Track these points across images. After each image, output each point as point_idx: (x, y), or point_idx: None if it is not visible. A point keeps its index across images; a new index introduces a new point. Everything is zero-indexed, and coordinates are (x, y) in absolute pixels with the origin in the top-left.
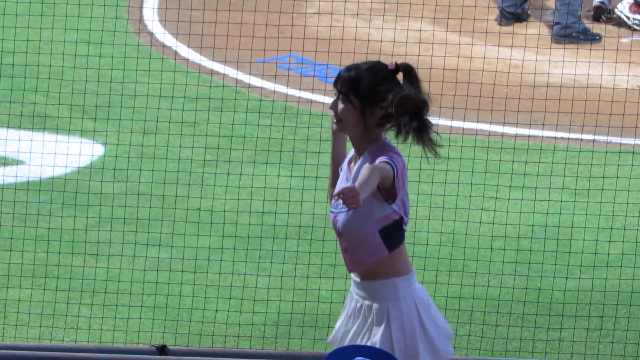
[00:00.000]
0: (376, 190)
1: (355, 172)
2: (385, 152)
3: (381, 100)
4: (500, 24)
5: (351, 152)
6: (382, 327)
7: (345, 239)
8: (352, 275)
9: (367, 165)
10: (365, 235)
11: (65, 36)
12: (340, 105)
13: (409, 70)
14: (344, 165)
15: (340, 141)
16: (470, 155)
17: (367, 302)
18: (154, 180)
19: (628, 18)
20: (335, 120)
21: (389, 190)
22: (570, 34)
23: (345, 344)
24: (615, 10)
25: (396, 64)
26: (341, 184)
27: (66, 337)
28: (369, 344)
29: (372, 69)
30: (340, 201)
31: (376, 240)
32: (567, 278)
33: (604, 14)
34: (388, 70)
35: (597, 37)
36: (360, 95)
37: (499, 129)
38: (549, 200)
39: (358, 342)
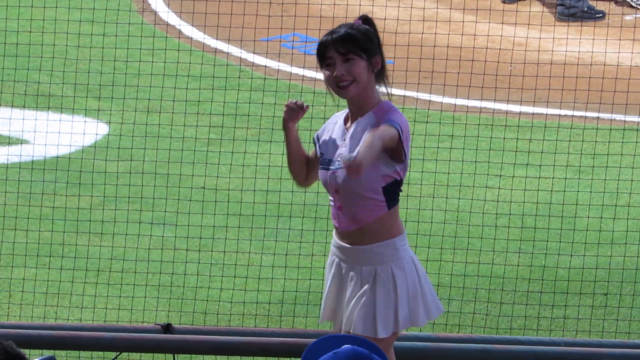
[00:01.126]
0: (382, 152)
1: (354, 130)
2: (391, 112)
3: (376, 50)
4: (504, 2)
5: (343, 112)
6: (389, 289)
7: (343, 196)
8: (340, 242)
9: (370, 131)
10: (368, 191)
11: (69, 15)
12: (348, 65)
13: (369, 20)
14: (338, 123)
15: (295, 132)
16: (474, 133)
17: (366, 267)
18: (158, 159)
19: None
20: (346, 84)
21: (394, 151)
22: (574, 13)
23: (347, 313)
24: None
25: (361, 18)
26: (336, 142)
27: (71, 316)
28: (374, 308)
29: (351, 27)
30: (339, 156)
31: (378, 196)
32: (571, 256)
33: None
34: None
35: (601, 15)
36: (362, 47)
37: (503, 106)
38: (553, 178)
39: (359, 306)
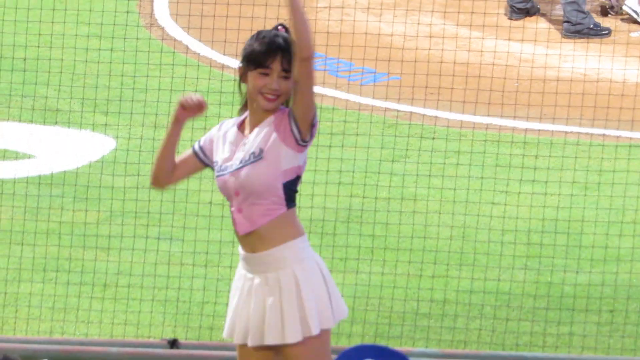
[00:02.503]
0: (292, 131)
1: (257, 134)
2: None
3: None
4: (510, 19)
5: (231, 120)
6: (293, 292)
7: (243, 197)
8: (243, 252)
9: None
10: (268, 189)
11: (77, 30)
12: (285, 82)
13: (287, 28)
14: (230, 130)
15: (181, 129)
16: (481, 149)
17: (270, 274)
18: None
19: (637, 14)
20: (273, 98)
21: (307, 124)
22: (580, 30)
23: (254, 324)
24: (624, 7)
25: (282, 26)
26: (232, 148)
27: (77, 331)
28: (280, 314)
29: (285, 39)
30: (239, 158)
31: (278, 193)
32: (577, 272)
33: (610, 9)
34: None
35: (607, 32)
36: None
37: (509, 123)
38: (559, 194)
39: (267, 316)
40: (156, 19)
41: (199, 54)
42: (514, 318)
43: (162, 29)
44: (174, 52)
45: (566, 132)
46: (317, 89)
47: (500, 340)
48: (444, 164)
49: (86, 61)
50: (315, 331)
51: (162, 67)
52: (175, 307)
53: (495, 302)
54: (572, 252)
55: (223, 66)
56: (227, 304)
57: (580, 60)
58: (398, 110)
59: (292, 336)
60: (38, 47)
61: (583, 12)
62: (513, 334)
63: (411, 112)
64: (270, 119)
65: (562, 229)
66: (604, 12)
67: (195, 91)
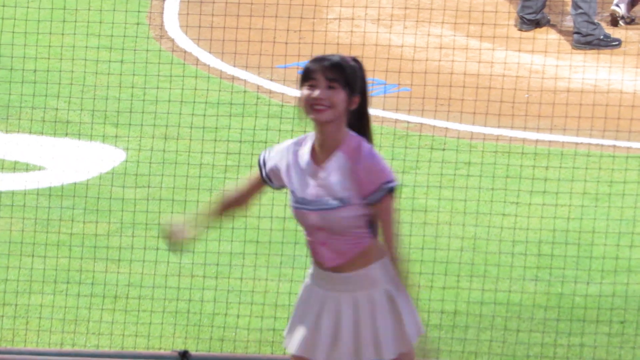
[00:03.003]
0: (365, 193)
1: (326, 176)
2: (369, 158)
3: (357, 90)
4: (520, 30)
5: (301, 141)
6: (389, 308)
7: (327, 234)
8: (322, 271)
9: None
10: (354, 227)
11: (87, 42)
12: (331, 92)
13: (360, 65)
14: (303, 157)
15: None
16: (491, 160)
17: (359, 293)
18: (175, 186)
19: None
20: (322, 108)
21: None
22: (591, 41)
23: (344, 340)
24: (636, 18)
25: (352, 58)
26: (306, 180)
27: (88, 342)
28: (380, 330)
29: (342, 58)
30: (321, 197)
31: (362, 230)
32: (588, 283)
33: (621, 19)
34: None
35: (617, 43)
36: (347, 80)
37: (520, 134)
38: (570, 205)
39: (363, 334)
40: (166, 31)
41: (209, 65)
42: (524, 329)
43: (172, 40)
44: (184, 64)
45: (577, 143)
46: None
47: (511, 352)
48: (455, 175)
49: (96, 73)
50: (408, 347)
51: (172, 78)
52: (186, 318)
53: (506, 314)
54: (583, 263)
55: (233, 78)
56: (237, 315)
57: (590, 71)
58: (408, 122)
59: (388, 353)
60: (48, 59)
61: (593, 23)
62: (524, 345)
63: (421, 124)
64: (341, 157)
65: (572, 240)
66: (614, 22)
67: (206, 102)
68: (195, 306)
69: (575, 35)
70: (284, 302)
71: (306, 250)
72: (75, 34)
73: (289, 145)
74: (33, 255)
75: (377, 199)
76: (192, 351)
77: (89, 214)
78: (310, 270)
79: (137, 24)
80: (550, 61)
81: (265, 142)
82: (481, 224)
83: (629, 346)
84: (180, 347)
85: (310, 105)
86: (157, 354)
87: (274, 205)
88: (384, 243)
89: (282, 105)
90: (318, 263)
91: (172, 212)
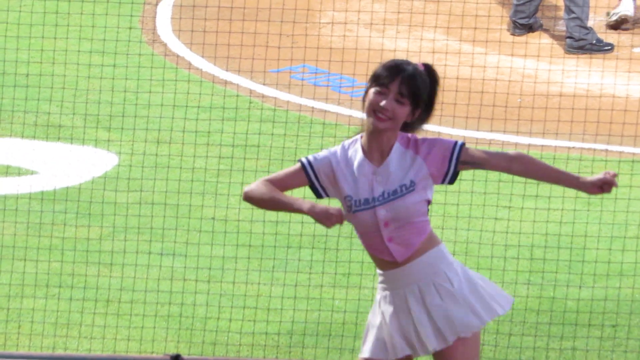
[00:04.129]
0: (447, 171)
1: (392, 166)
2: (422, 139)
3: (421, 103)
4: (513, 34)
5: (349, 146)
6: (451, 291)
7: (393, 227)
8: (387, 272)
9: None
10: (418, 213)
11: (79, 46)
12: (397, 105)
13: (432, 73)
14: (357, 161)
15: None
16: None
17: (422, 282)
18: (167, 190)
19: None
20: (383, 117)
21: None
22: (583, 45)
23: (426, 332)
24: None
25: (424, 65)
26: (368, 180)
27: (80, 346)
28: (452, 313)
29: (417, 70)
30: (388, 189)
31: (424, 217)
32: (580, 287)
33: (627, 22)
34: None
35: (610, 47)
36: (415, 96)
37: (512, 138)
38: (562, 209)
39: (451, 315)
40: (159, 35)
41: (201, 70)
42: (517, 333)
43: (165, 45)
44: (176, 68)
45: (569, 148)
46: (320, 105)
47: (503, 356)
48: None
49: (89, 77)
50: (487, 318)
51: (164, 83)
52: (178, 322)
53: (498, 317)
54: (575, 267)
55: (226, 82)
56: (229, 319)
57: (583, 75)
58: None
59: (465, 330)
60: (41, 63)
61: (586, 27)
62: (516, 349)
63: None
64: (398, 149)
65: (565, 244)
66: (618, 26)
67: (198, 106)
68: (188, 310)
69: (568, 40)
70: (276, 306)
71: (298, 254)
72: (67, 38)
73: (336, 152)
74: (25, 259)
75: (455, 165)
76: (185, 355)
77: (81, 218)
78: (378, 279)
79: (130, 28)
80: (542, 65)
81: (258, 147)
82: (473, 227)
83: (621, 350)
84: (173, 351)
85: (373, 110)
86: (150, 358)
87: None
88: (503, 165)
89: (275, 110)
90: (383, 264)
91: (164, 217)
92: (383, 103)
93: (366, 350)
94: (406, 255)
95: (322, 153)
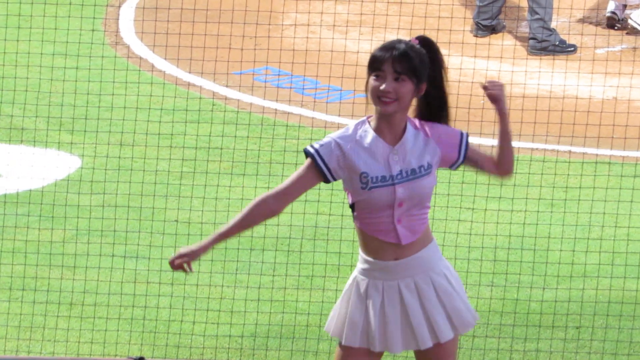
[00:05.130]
0: (458, 158)
1: (409, 147)
2: (433, 124)
3: (425, 77)
4: (476, 36)
5: (360, 129)
6: (448, 288)
7: (405, 208)
8: (385, 262)
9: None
10: (428, 200)
11: (42, 49)
12: (398, 85)
13: (430, 44)
14: (372, 141)
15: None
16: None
17: (419, 277)
18: (131, 193)
19: None
20: (388, 101)
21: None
22: (546, 47)
23: (419, 327)
24: (630, 20)
25: (418, 38)
26: (386, 159)
27: (44, 349)
28: (449, 307)
29: (412, 47)
30: (406, 168)
31: (429, 205)
32: (544, 289)
33: (616, 23)
34: (419, 47)
35: (573, 49)
36: (415, 71)
37: (475, 140)
38: (525, 211)
39: (448, 311)
40: (121, 37)
41: (164, 72)
42: (480, 335)
43: (128, 47)
44: (139, 71)
45: (532, 149)
46: (283, 107)
47: (467, 358)
48: None
49: (51, 79)
50: (476, 319)
51: (127, 85)
52: (142, 325)
53: None
54: (539, 268)
55: (189, 84)
56: (193, 322)
57: (546, 77)
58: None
59: (464, 327)
60: (3, 65)
61: (549, 29)
62: (480, 351)
63: None
64: (412, 130)
65: (528, 246)
66: (611, 25)
67: (161, 109)
68: (151, 313)
69: (531, 41)
70: (240, 308)
71: (262, 257)
72: (30, 40)
73: (344, 136)
74: None
75: (465, 151)
76: (148, 358)
77: (44, 221)
78: (362, 265)
79: (93, 30)
80: (505, 67)
81: (221, 149)
82: (437, 229)
83: (585, 351)
84: (136, 354)
85: (377, 97)
86: None
87: (229, 212)
88: (496, 166)
89: (238, 112)
90: (382, 252)
91: (127, 219)
92: (383, 87)
93: (350, 339)
94: (410, 240)
95: (326, 139)
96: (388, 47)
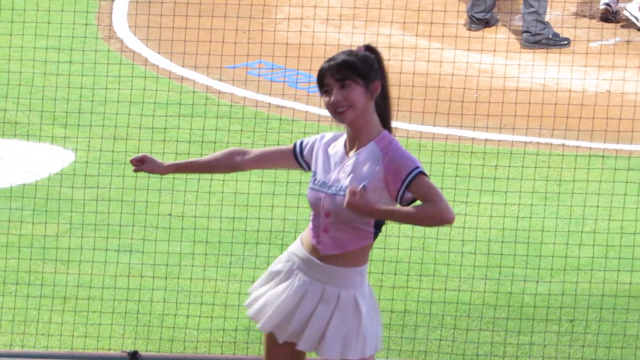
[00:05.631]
0: (399, 193)
1: (356, 161)
2: (397, 151)
3: (376, 75)
4: (469, 29)
5: (338, 135)
6: (351, 313)
7: (332, 220)
8: (306, 254)
9: (422, 207)
10: (361, 222)
11: (35, 43)
12: (345, 91)
13: (373, 49)
14: (337, 149)
15: (174, 167)
16: (440, 160)
17: (330, 288)
18: (124, 187)
19: (637, 19)
20: (342, 110)
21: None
22: (540, 40)
23: (294, 323)
24: (624, 12)
25: (364, 47)
26: (333, 167)
27: (37, 343)
28: (338, 331)
29: (350, 53)
30: (342, 183)
31: (368, 228)
32: (537, 282)
33: (610, 15)
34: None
35: (566, 42)
36: (359, 73)
37: (469, 133)
38: (519, 204)
39: (326, 328)
40: (115, 31)
41: (157, 66)
42: (474, 328)
43: (121, 41)
44: (132, 64)
45: (526, 143)
46: (276, 101)
47: (461, 351)
48: None
49: (45, 74)
50: (369, 352)
51: (120, 79)
52: (136, 319)
53: (456, 313)
54: (532, 262)
55: (182, 78)
56: (187, 316)
57: (539, 70)
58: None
59: (352, 354)
60: None
61: (543, 22)
62: (473, 344)
63: None
64: (373, 147)
65: (522, 239)
66: (605, 17)
67: (155, 103)
68: (145, 307)
69: (525, 34)
70: (234, 302)
71: (255, 250)
72: (23, 34)
73: (322, 135)
74: None
75: (405, 190)
76: (142, 352)
77: (38, 215)
78: (292, 247)
79: (86, 24)
80: (499, 60)
81: (215, 143)
82: None
83: (578, 344)
84: (130, 348)
85: (332, 111)
86: (107, 355)
87: (223, 206)
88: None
89: (231, 106)
90: (310, 247)
91: (120, 213)
92: (333, 99)
93: (262, 324)
94: (332, 253)
95: (314, 136)
96: (328, 60)
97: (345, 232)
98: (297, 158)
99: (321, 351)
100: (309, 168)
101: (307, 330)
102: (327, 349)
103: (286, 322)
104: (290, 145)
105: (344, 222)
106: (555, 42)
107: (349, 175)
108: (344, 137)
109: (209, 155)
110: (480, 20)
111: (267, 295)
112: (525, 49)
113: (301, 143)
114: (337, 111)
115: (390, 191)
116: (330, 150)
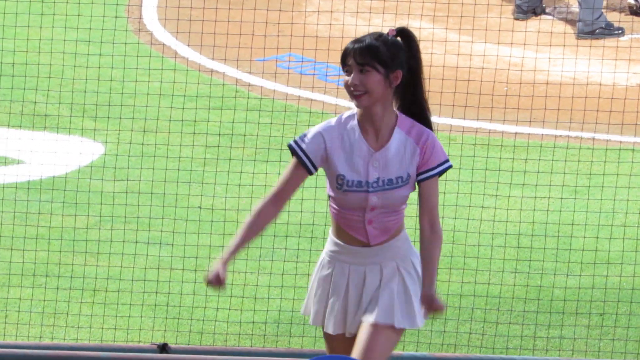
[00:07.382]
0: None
1: (391, 155)
2: (422, 131)
3: (398, 65)
4: (516, 19)
5: (344, 123)
6: (416, 278)
7: (378, 212)
8: (353, 247)
9: (432, 256)
10: (402, 204)
11: (65, 35)
12: (363, 76)
13: (407, 34)
14: (352, 141)
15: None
16: (470, 153)
17: (387, 263)
18: (154, 179)
19: None
20: (358, 94)
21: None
22: (594, 30)
23: (362, 307)
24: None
25: (395, 30)
26: (364, 163)
27: (67, 336)
28: (406, 297)
29: (378, 37)
30: (384, 177)
31: (405, 205)
32: (567, 276)
33: (638, 9)
34: (392, 37)
35: (620, 31)
36: (381, 60)
37: (499, 127)
38: (549, 198)
39: (395, 299)
40: (144, 24)
41: (187, 58)
42: (504, 321)
43: (151, 33)
44: (162, 57)
45: (556, 136)
46: (306, 93)
47: (490, 344)
48: None
49: (74, 66)
50: (420, 324)
51: (150, 72)
52: (165, 311)
53: (485, 306)
54: (562, 255)
55: (212, 71)
56: (216, 308)
57: (569, 63)
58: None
59: (420, 321)
60: (26, 52)
61: (597, 10)
62: (503, 338)
63: None
64: (401, 135)
65: (552, 233)
66: (634, 11)
67: (184, 95)
68: (175, 299)
69: (579, 24)
70: (263, 295)
71: (285, 243)
72: (53, 27)
73: (326, 133)
74: (12, 249)
75: (430, 176)
76: (172, 344)
77: (68, 208)
78: (330, 247)
79: (116, 17)
80: (529, 54)
81: (244, 135)
82: (460, 216)
83: (608, 338)
84: (160, 340)
85: (349, 91)
86: (136, 347)
87: (252, 198)
88: (425, 221)
89: (261, 98)
90: (352, 239)
91: (150, 206)
92: (351, 81)
93: (314, 320)
94: (380, 240)
95: (313, 130)
96: (354, 41)
97: (389, 217)
98: (312, 173)
99: (391, 318)
100: (315, 168)
101: (379, 303)
102: (396, 315)
103: (350, 318)
104: (302, 169)
105: (389, 210)
106: (610, 31)
107: (385, 167)
108: (353, 123)
109: (245, 227)
110: (527, 10)
111: (330, 302)
112: (580, 39)
113: (309, 158)
114: (353, 94)
115: (420, 168)
116: (350, 145)
